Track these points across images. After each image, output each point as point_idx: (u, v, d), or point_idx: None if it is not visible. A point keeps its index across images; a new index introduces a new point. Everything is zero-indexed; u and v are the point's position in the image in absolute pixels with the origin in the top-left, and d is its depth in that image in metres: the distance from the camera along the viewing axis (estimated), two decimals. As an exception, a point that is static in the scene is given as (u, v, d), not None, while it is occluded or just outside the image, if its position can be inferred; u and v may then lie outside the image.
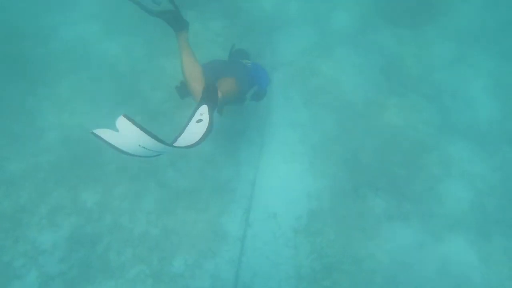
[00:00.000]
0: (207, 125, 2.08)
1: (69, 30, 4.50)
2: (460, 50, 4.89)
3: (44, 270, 3.12)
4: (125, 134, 1.68)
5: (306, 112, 4.07)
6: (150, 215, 3.43)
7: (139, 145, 1.75)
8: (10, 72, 4.09)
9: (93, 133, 1.63)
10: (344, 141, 3.95)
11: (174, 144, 1.91)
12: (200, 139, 1.98)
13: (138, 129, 1.66)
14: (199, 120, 2.15)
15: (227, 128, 3.90)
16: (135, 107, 3.96)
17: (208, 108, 2.22)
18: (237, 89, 2.81)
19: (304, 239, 3.38)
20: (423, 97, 4.36)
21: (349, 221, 3.50)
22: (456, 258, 3.44)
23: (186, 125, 2.11)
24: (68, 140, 3.73)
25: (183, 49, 2.82)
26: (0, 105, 3.87)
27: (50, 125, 3.79)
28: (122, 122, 1.65)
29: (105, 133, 1.67)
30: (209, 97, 2.27)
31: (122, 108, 3.91)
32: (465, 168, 3.92)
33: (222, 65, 3.03)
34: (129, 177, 3.61)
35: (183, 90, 2.89)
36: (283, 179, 3.68)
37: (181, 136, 2.04)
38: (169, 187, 3.55)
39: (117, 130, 1.68)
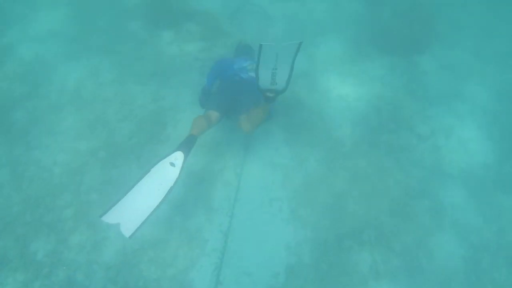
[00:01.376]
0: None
1: (28, 48, 4.21)
2: (454, 82, 4.78)
3: None
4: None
5: (288, 150, 3.87)
6: (109, 270, 3.16)
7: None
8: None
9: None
10: (329, 184, 3.77)
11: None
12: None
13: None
14: (172, 164, 2.61)
15: (200, 168, 3.66)
16: (99, 140, 3.70)
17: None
18: (262, 111, 3.18)
19: (282, 300, 3.17)
20: (415, 135, 4.21)
21: (331, 278, 3.30)
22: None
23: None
24: (20, 179, 3.43)
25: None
26: None
27: (-1, 161, 3.49)
28: (107, 218, 2.37)
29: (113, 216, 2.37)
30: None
31: (84, 142, 3.64)
32: (458, 218, 3.78)
33: (238, 98, 3.30)
34: (87, 224, 3.34)
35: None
36: (260, 229, 3.46)
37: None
38: (133, 237, 3.27)
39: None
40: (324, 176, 3.82)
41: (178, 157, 2.64)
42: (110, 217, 2.46)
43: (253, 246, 3.36)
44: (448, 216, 3.80)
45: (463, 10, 5.54)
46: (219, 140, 3.86)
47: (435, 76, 4.82)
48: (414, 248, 3.54)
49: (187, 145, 2.75)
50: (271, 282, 3.24)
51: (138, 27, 4.58)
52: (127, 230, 2.42)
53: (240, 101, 3.30)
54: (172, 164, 2.61)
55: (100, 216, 2.43)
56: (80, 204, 3.38)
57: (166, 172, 2.60)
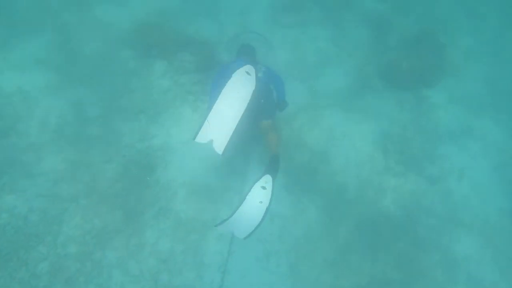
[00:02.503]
0: (270, 194, 2.97)
1: (9, 78, 4.06)
2: (466, 118, 4.62)
3: None
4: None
5: (287, 198, 3.69)
6: (86, 336, 2.93)
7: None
8: None
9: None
10: (331, 235, 3.59)
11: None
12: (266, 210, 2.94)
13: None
14: (264, 188, 2.99)
15: (190, 216, 3.47)
16: (81, 185, 3.49)
17: (272, 178, 3.02)
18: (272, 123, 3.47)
19: None
20: (425, 179, 4.05)
21: None
22: None
23: (250, 189, 2.96)
24: (-9, 228, 3.22)
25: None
26: None
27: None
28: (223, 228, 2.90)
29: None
30: (274, 168, 3.11)
31: (65, 186, 3.45)
32: (473, 272, 3.60)
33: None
34: (65, 280, 3.13)
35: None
36: (256, 287, 3.24)
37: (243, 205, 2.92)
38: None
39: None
40: (325, 226, 3.64)
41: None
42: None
43: (248, 308, 3.15)
44: (461, 269, 3.62)
45: (475, 38, 5.41)
46: (212, 185, 3.67)
47: (445, 111, 4.67)
48: (424, 309, 3.33)
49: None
50: None
51: (128, 56, 4.41)
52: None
53: (256, 103, 3.27)
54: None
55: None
56: (57, 257, 3.19)
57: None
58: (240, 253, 3.40)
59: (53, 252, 3.20)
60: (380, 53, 5.01)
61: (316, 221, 3.63)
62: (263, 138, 3.48)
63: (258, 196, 2.97)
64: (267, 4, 5.31)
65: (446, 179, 4.11)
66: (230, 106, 3.03)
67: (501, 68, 5.24)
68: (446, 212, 3.90)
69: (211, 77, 4.29)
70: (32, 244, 3.20)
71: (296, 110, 4.31)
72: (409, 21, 5.49)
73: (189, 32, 4.80)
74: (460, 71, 5.00)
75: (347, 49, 5.04)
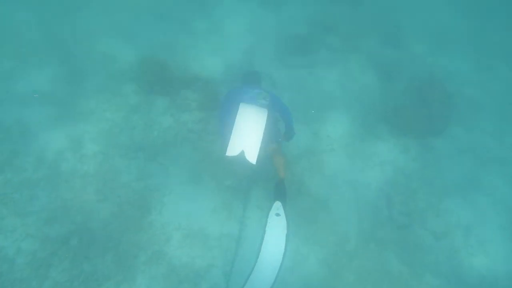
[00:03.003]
0: (285, 219, 3.30)
1: (9, 111, 4.07)
2: (473, 169, 4.57)
3: None
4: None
5: (286, 248, 3.54)
6: None
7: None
8: None
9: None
10: (330, 291, 3.43)
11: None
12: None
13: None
14: (277, 214, 3.30)
15: (182, 263, 3.38)
16: (73, 226, 3.43)
17: (282, 203, 3.38)
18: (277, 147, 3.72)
19: None
20: (430, 233, 3.96)
21: None
22: None
23: (266, 222, 3.32)
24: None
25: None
26: None
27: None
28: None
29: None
30: (281, 193, 3.46)
31: (56, 226, 3.39)
32: None
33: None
34: (47, 329, 2.99)
35: None
36: None
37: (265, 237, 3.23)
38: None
39: None
40: (325, 280, 3.52)
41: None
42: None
43: None
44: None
45: (483, 88, 5.43)
46: (209, 230, 3.59)
47: (452, 162, 4.61)
48: None
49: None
50: None
51: (130, 91, 4.44)
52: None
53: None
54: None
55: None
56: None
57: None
58: (234, 308, 3.27)
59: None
60: (386, 98, 5.02)
61: (316, 273, 3.53)
62: (271, 160, 3.74)
63: (275, 225, 3.28)
64: (274, 44, 5.39)
65: (452, 235, 4.00)
66: (251, 118, 3.32)
67: (510, 121, 5.22)
68: (451, 271, 3.78)
69: (214, 116, 4.32)
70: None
71: (299, 154, 4.27)
72: (416, 68, 5.53)
73: (194, 69, 4.85)
74: (467, 121, 4.99)
75: (353, 93, 5.05)
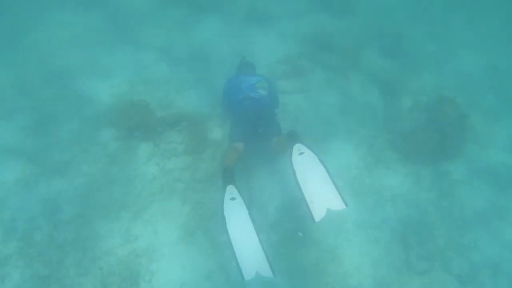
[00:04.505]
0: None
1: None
2: (495, 196, 4.30)
3: None
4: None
5: (293, 312, 3.24)
6: None
7: None
8: None
9: None
10: None
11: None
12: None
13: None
14: (233, 198, 3.11)
15: None
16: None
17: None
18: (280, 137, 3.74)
19: None
20: (454, 277, 3.66)
21: None
22: None
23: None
24: None
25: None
26: None
27: None
28: (248, 276, 2.84)
29: None
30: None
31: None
32: None
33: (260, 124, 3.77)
34: None
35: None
36: None
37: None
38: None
39: None
40: None
41: (232, 190, 3.15)
42: (248, 273, 2.84)
43: None
44: None
45: (496, 94, 5.09)
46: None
47: (470, 188, 4.31)
48: None
49: (229, 177, 3.26)
50: None
51: (109, 137, 4.13)
52: (266, 272, 2.84)
53: (260, 123, 3.73)
54: (233, 199, 3.11)
55: (244, 279, 2.81)
56: None
57: (235, 208, 3.08)
58: None
59: None
60: (392, 120, 4.71)
61: None
62: (277, 149, 3.72)
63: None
64: (264, 66, 5.05)
65: (479, 277, 3.69)
66: (242, 235, 3.00)
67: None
68: (482, 321, 3.45)
69: (202, 159, 4.01)
70: None
71: (299, 196, 3.93)
72: (422, 81, 5.21)
73: (177, 104, 4.55)
74: (483, 139, 4.68)
75: (355, 116, 4.73)
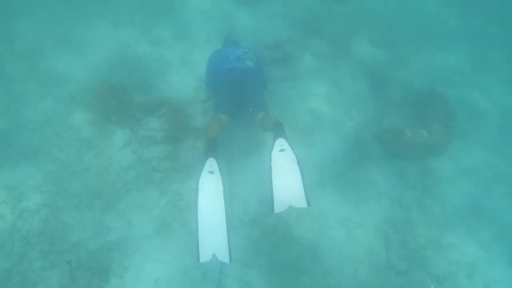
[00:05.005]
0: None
1: None
2: (477, 195, 4.28)
3: None
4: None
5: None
6: None
7: None
8: None
9: None
10: None
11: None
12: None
13: None
14: (282, 150, 2.99)
15: None
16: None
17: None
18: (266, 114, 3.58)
19: None
20: (433, 278, 3.62)
21: None
22: None
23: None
24: None
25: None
26: None
27: None
28: (203, 258, 2.73)
29: None
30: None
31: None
32: None
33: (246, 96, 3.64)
34: None
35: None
36: None
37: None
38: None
39: None
40: None
41: (212, 163, 2.99)
42: (205, 255, 2.72)
43: None
44: None
45: (483, 92, 5.01)
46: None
47: (452, 186, 4.27)
48: None
49: (212, 150, 3.12)
50: None
51: (83, 120, 3.84)
52: (224, 257, 2.74)
53: (246, 95, 3.61)
54: (211, 172, 2.95)
55: (197, 261, 2.69)
56: None
57: (211, 182, 2.92)
58: None
59: None
60: (381, 113, 4.56)
61: None
62: (261, 127, 3.55)
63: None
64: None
65: (455, 277, 3.67)
66: (211, 211, 2.86)
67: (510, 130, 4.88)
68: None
69: (182, 148, 3.80)
70: None
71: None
72: (412, 73, 5.07)
73: (158, 88, 4.27)
74: (468, 137, 4.61)
75: (343, 108, 4.57)
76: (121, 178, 3.60)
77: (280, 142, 3.08)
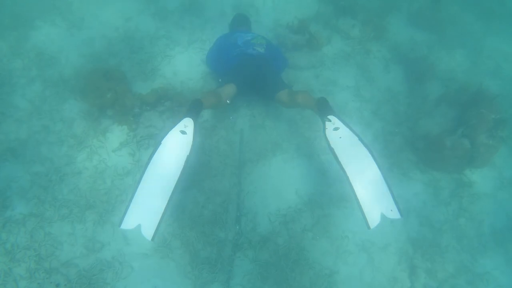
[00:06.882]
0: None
1: None
2: None
3: None
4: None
5: None
6: None
7: None
8: None
9: None
10: None
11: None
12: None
13: None
14: (336, 128, 2.71)
15: None
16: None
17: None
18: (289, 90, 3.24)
19: None
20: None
21: None
22: None
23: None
24: None
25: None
26: None
27: None
28: (126, 225, 2.43)
29: None
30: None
31: None
32: None
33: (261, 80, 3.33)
34: None
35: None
36: None
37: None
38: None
39: None
40: None
41: (187, 123, 2.66)
42: (129, 222, 2.44)
43: None
44: None
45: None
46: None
47: (492, 202, 3.71)
48: None
49: (194, 110, 2.74)
50: None
51: (75, 112, 3.38)
52: (148, 232, 2.44)
53: (258, 82, 3.32)
54: (183, 132, 2.62)
55: (119, 225, 2.42)
56: None
57: (179, 142, 2.59)
58: None
59: None
60: (415, 113, 3.94)
61: None
62: (293, 104, 3.16)
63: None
64: (271, 32, 4.11)
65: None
66: (160, 177, 2.52)
67: None
68: None
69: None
70: None
71: (299, 205, 3.33)
72: (456, 62, 4.34)
73: (163, 75, 3.71)
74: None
75: (373, 104, 3.95)
76: (117, 185, 3.17)
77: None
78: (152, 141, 3.33)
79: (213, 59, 3.67)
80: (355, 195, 2.63)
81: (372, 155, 2.70)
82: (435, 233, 3.46)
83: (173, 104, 3.43)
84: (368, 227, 2.55)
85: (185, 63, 3.83)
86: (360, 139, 2.70)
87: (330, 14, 4.31)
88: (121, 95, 3.32)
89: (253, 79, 3.34)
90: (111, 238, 3.00)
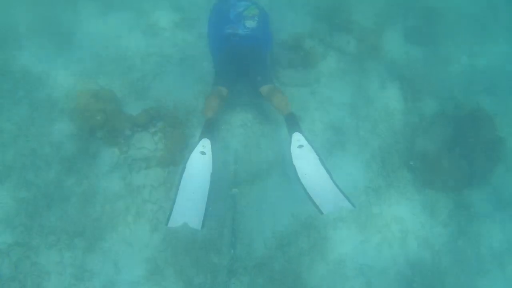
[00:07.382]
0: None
1: None
2: None
3: None
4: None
5: None
6: None
7: None
8: None
9: None
10: None
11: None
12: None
13: None
14: (300, 146, 2.88)
15: None
16: None
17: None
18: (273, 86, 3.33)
19: None
20: (461, 337, 3.08)
21: None
22: None
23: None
24: None
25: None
26: None
27: None
28: (173, 223, 2.64)
29: None
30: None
31: None
32: None
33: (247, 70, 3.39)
34: None
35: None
36: None
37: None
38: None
39: None
40: None
41: (205, 144, 2.84)
42: (175, 221, 2.64)
43: None
44: None
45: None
46: None
47: (491, 223, 3.66)
48: None
49: (208, 131, 2.95)
50: None
51: (64, 136, 3.28)
52: (197, 223, 2.64)
53: (246, 65, 3.37)
54: (203, 153, 2.81)
55: (166, 224, 2.62)
56: None
57: (201, 163, 2.78)
58: None
59: None
60: (412, 131, 3.88)
61: None
62: (270, 103, 3.25)
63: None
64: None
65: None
66: (194, 188, 2.73)
67: None
68: None
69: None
70: None
71: (294, 228, 3.25)
72: (452, 78, 4.32)
73: (155, 94, 3.63)
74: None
75: (368, 122, 3.89)
76: (107, 211, 3.06)
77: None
78: (144, 164, 3.23)
79: (209, 35, 3.71)
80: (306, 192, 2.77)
81: (331, 178, 2.81)
82: (434, 255, 3.40)
83: (165, 124, 3.34)
84: (321, 212, 2.70)
85: (177, 81, 3.75)
86: (321, 161, 2.83)
87: (325, 31, 4.25)
88: (111, 116, 3.23)
89: (241, 61, 3.38)
90: (102, 267, 2.90)
